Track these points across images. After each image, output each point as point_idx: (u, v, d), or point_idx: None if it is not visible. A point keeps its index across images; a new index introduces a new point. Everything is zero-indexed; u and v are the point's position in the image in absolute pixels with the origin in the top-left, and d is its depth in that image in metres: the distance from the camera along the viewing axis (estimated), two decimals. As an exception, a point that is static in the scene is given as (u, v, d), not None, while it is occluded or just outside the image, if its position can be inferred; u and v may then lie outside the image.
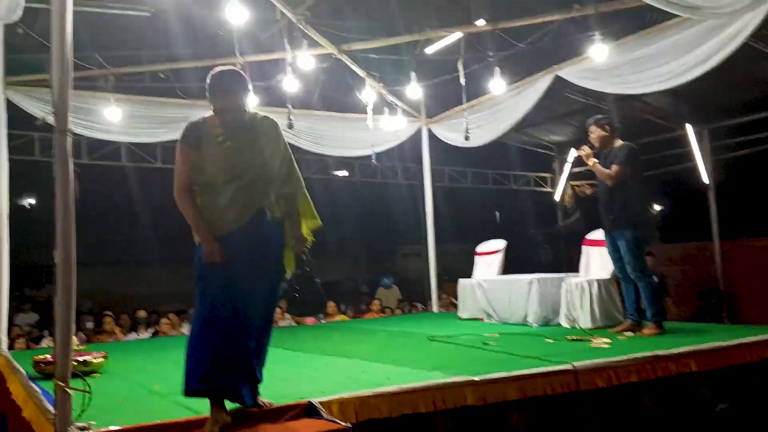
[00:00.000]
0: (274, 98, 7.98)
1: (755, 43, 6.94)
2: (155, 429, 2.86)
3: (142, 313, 9.34)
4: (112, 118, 7.22)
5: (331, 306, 9.32)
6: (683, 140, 10.94)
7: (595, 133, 5.57)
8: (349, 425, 3.07)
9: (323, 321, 9.25)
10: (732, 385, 4.37)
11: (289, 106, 6.97)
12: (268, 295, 3.18)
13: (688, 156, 10.99)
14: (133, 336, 8.66)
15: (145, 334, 8.71)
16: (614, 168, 5.36)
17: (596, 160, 5.50)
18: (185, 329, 8.82)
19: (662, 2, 4.98)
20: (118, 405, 3.45)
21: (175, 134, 7.94)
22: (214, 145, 3.09)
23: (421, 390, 3.48)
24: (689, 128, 10.78)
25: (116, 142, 9.09)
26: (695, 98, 9.86)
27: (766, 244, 10.85)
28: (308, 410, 3.17)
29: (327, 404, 3.21)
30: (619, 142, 5.55)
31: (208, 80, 3.16)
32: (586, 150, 5.55)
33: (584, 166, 5.70)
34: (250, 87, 3.24)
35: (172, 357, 5.52)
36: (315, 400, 3.19)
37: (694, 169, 10.99)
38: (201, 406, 3.09)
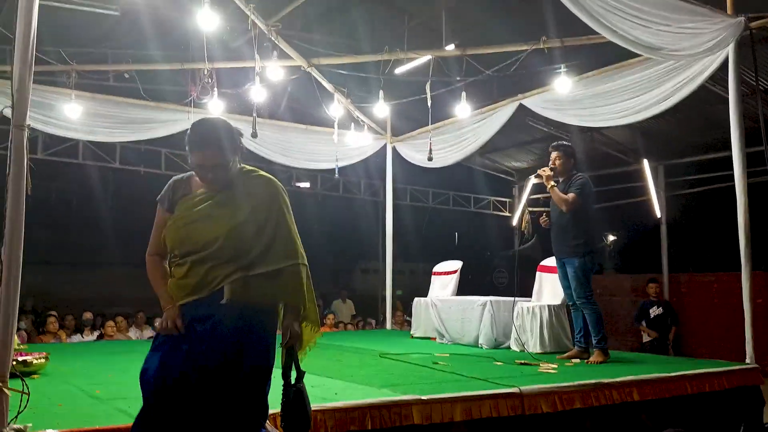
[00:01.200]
0: (241, 107, 7.97)
1: (713, 86, 7.20)
2: (94, 434, 2.79)
3: (87, 315, 9.12)
4: (71, 115, 7.10)
5: (284, 318, 9.23)
6: (639, 174, 11.25)
7: (558, 159, 5.64)
8: (294, 439, 3.04)
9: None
10: (672, 415, 4.48)
11: (255, 115, 6.95)
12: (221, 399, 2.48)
13: (643, 190, 11.30)
14: (77, 338, 8.45)
15: (89, 336, 8.50)
16: (571, 195, 5.47)
17: (554, 184, 5.57)
18: (132, 333, 8.65)
19: (625, 41, 5.16)
20: (57, 408, 3.36)
21: (135, 135, 7.92)
22: (184, 209, 2.61)
23: (368, 407, 3.48)
24: (645, 163, 11.09)
25: (74, 140, 8.90)
26: (653, 135, 10.17)
27: (711, 279, 11.19)
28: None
29: (272, 417, 3.18)
30: (575, 173, 5.68)
31: (188, 131, 2.61)
32: (546, 172, 5.60)
33: (542, 193, 5.81)
34: (241, 140, 2.65)
35: (115, 361, 5.42)
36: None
37: (648, 203, 11.31)
38: (143, 413, 3.03)
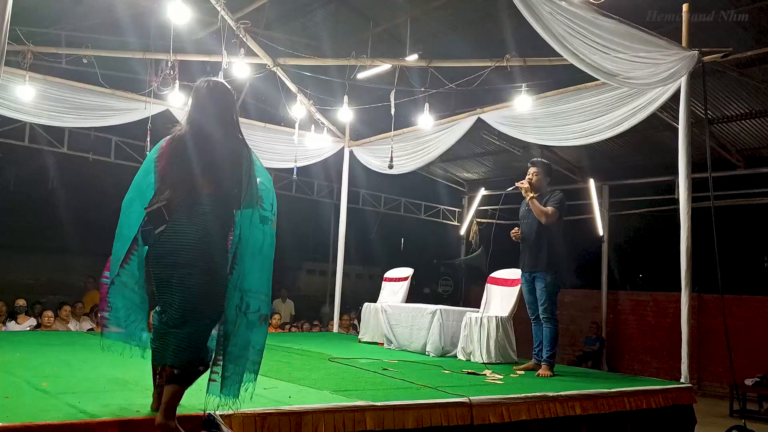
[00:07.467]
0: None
1: (660, 113, 7.52)
2: (48, 429, 2.72)
3: (20, 302, 8.78)
4: (23, 97, 6.85)
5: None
6: (585, 193, 11.62)
7: (537, 174, 5.65)
8: (250, 441, 3.04)
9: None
10: (610, 430, 4.66)
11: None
12: None
13: (588, 208, 11.67)
14: (12, 326, 8.13)
15: (24, 324, 8.20)
16: (551, 208, 5.51)
17: (534, 195, 5.56)
18: (72, 325, 8.40)
19: (585, 65, 5.34)
20: (4, 401, 3.25)
21: (87, 122, 7.69)
22: None
23: (323, 411, 3.50)
24: (592, 183, 11.45)
25: (21, 121, 8.57)
26: (600, 155, 10.54)
27: (647, 298, 11.65)
28: (207, 423, 3.11)
29: (228, 418, 3.16)
30: (549, 189, 5.74)
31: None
32: (526, 184, 5.59)
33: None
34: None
35: (56, 353, 5.28)
36: (215, 413, 3.14)
37: (592, 222, 11.68)
38: (97, 410, 2.99)
